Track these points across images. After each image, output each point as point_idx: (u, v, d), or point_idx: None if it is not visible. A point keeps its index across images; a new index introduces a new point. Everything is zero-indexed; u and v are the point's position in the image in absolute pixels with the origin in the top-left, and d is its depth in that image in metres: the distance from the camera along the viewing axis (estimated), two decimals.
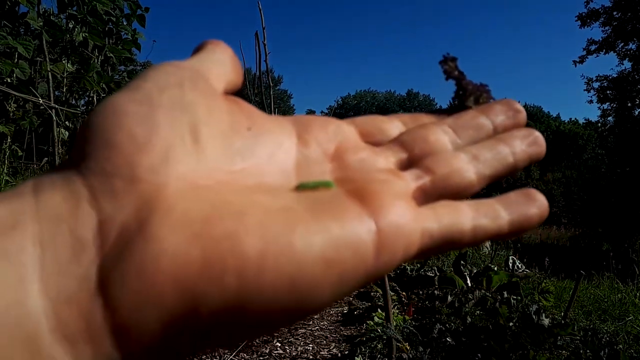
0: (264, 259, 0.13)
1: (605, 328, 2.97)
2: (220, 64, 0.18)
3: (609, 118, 13.31)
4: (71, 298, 0.12)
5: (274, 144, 0.17)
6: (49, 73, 1.87)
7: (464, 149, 0.19)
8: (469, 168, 0.18)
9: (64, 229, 0.12)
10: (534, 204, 0.18)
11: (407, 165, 0.19)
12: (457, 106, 0.22)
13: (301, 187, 0.16)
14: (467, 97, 0.22)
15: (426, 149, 0.19)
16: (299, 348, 2.05)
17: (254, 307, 0.13)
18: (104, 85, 2.28)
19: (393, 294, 2.50)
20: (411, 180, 0.17)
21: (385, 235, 0.14)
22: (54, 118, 1.92)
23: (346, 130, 0.19)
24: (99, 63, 2.30)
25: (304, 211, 0.14)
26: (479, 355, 1.24)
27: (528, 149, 0.20)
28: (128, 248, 0.12)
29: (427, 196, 0.17)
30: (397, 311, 2.22)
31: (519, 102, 0.22)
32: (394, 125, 0.21)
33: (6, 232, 0.12)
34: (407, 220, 0.15)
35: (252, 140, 0.17)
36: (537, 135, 0.20)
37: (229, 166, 0.15)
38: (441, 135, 0.20)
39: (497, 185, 0.21)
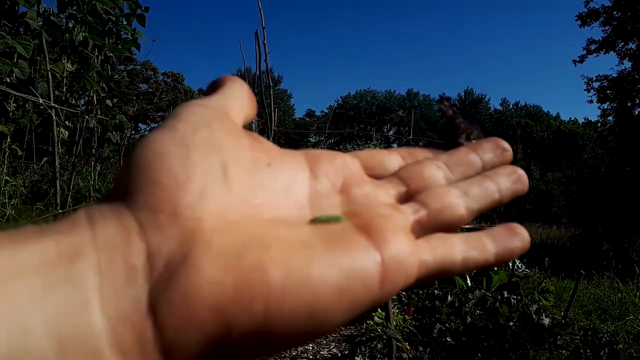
0: (285, 288, 0.14)
1: (605, 328, 2.97)
2: (239, 100, 0.20)
3: (608, 118, 13.31)
4: (126, 318, 0.13)
5: (289, 178, 0.19)
6: (49, 72, 1.87)
7: (455, 184, 0.21)
8: (459, 203, 0.20)
9: (118, 257, 0.14)
10: (517, 238, 0.20)
11: (405, 198, 0.20)
12: (450, 142, 0.24)
13: (316, 221, 0.18)
14: (460, 135, 0.24)
15: (422, 184, 0.21)
16: (299, 348, 2.05)
17: (277, 330, 0.14)
18: (103, 85, 2.28)
19: None
20: (410, 214, 0.19)
21: (388, 267, 0.16)
22: (54, 118, 1.92)
23: (351, 164, 0.21)
24: (98, 62, 2.30)
25: (320, 244, 0.16)
26: (479, 354, 1.24)
27: (512, 186, 0.22)
28: (173, 276, 0.14)
29: (423, 229, 0.19)
30: (397, 311, 2.22)
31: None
32: (393, 159, 0.23)
33: (71, 260, 0.14)
34: (407, 253, 0.17)
35: (270, 176, 0.18)
36: (521, 173, 0.22)
37: (251, 200, 0.17)
38: (435, 171, 0.22)
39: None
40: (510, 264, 2.64)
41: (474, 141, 0.24)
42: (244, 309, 0.14)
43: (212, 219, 0.15)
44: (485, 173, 0.22)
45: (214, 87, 0.20)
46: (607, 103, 12.98)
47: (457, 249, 0.19)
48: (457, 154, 0.23)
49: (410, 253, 0.17)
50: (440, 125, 0.25)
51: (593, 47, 12.80)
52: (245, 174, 0.17)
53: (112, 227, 0.15)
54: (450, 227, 0.20)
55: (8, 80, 1.77)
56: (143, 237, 0.14)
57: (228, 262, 0.14)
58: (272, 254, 0.15)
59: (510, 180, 0.22)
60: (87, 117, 2.46)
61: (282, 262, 0.15)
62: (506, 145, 0.23)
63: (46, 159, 4.43)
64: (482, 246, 0.20)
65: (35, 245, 0.14)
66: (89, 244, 0.14)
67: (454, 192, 0.20)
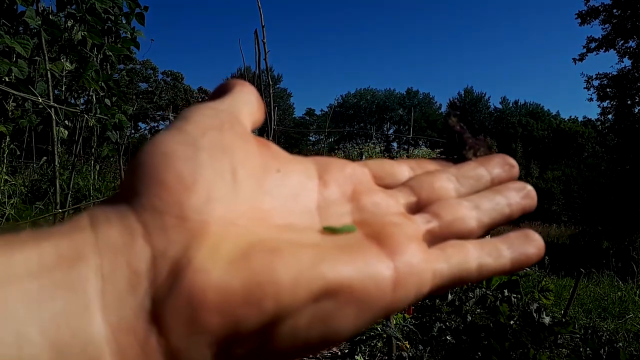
0: (297, 283, 0.14)
1: (605, 326, 2.98)
2: (248, 104, 0.20)
3: (608, 116, 13.33)
4: (129, 326, 0.13)
5: (298, 184, 0.19)
6: (48, 72, 1.87)
7: (467, 197, 0.21)
8: (471, 216, 0.20)
9: (121, 262, 0.14)
10: (532, 244, 0.20)
11: (415, 208, 0.20)
12: (457, 157, 0.24)
13: (327, 230, 0.18)
14: (467, 150, 0.24)
15: (433, 194, 0.21)
16: None
17: (287, 329, 0.14)
18: (102, 84, 2.28)
19: None
20: (421, 224, 0.19)
21: (401, 273, 0.16)
22: (53, 117, 1.92)
23: (360, 173, 0.21)
24: (97, 62, 2.30)
25: (331, 249, 0.16)
26: (479, 353, 1.24)
27: (522, 202, 0.22)
28: (178, 281, 0.13)
29: (435, 239, 0.19)
30: None
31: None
32: (403, 169, 0.23)
33: (72, 264, 0.13)
34: (420, 260, 0.17)
35: (279, 182, 0.18)
36: (530, 189, 0.22)
37: (260, 205, 0.17)
38: (446, 182, 0.21)
39: None
40: None
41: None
42: (253, 307, 0.14)
43: (219, 222, 0.15)
44: (495, 187, 0.22)
45: (222, 91, 0.20)
46: (607, 101, 13.00)
47: (471, 256, 0.19)
48: (466, 167, 0.23)
49: (423, 261, 0.17)
50: (446, 137, 0.25)
51: (593, 45, 12.81)
52: (254, 179, 0.17)
53: (116, 229, 0.14)
54: (461, 239, 0.19)
55: (7, 80, 1.77)
56: (148, 240, 0.14)
57: (235, 265, 0.14)
58: (282, 255, 0.14)
59: (520, 196, 0.22)
60: (86, 116, 2.46)
61: (292, 260, 0.14)
62: (513, 162, 0.23)
63: (46, 158, 4.42)
64: (497, 252, 0.19)
65: (33, 249, 0.13)
66: (91, 247, 0.14)
67: (466, 205, 0.20)
